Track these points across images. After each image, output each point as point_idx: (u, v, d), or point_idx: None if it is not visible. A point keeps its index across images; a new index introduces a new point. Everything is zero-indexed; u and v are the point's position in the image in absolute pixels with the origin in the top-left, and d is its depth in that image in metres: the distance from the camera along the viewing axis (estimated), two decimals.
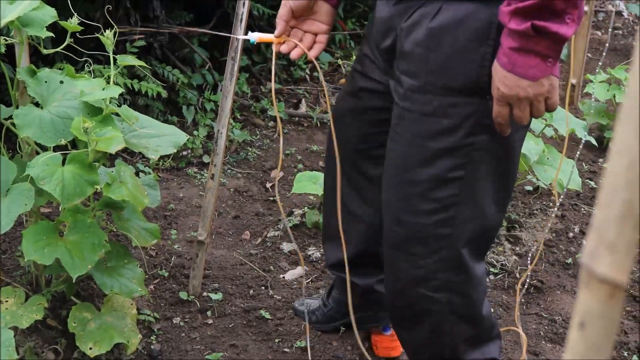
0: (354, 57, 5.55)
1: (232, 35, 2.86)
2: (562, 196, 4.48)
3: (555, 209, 3.57)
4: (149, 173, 4.35)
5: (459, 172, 2.40)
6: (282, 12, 2.61)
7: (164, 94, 4.74)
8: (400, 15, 2.37)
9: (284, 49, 2.65)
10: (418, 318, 2.68)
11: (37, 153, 2.84)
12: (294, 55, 2.64)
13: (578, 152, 3.61)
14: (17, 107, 2.84)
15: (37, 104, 2.82)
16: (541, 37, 2.07)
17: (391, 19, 2.40)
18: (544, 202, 4.54)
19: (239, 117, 5.30)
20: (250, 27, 3.27)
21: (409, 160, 2.44)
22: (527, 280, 3.81)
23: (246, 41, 2.70)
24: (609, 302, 0.76)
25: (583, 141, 3.86)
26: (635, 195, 0.72)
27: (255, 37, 2.63)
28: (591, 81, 5.16)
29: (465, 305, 2.66)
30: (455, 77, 2.27)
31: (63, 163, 2.71)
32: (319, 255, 3.96)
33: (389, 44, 2.47)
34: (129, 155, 4.60)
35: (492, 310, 3.03)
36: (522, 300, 3.75)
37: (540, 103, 2.19)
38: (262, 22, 5.78)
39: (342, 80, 5.95)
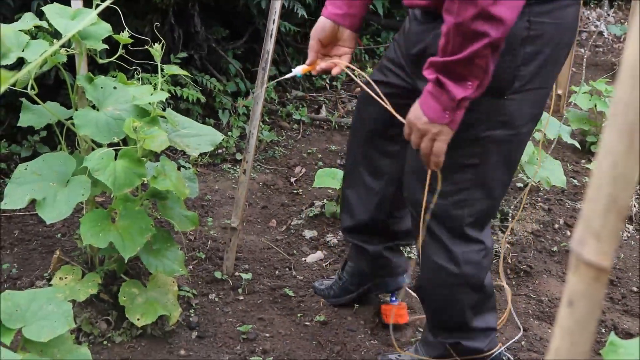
0: (368, 70, 5.56)
1: (284, 77, 2.88)
2: (548, 192, 4.47)
3: (522, 198, 3.56)
4: (189, 168, 4.35)
5: (475, 160, 2.46)
6: (313, 44, 2.69)
7: (203, 99, 4.75)
8: (429, 30, 2.41)
9: (323, 66, 2.68)
10: (436, 287, 2.74)
11: (93, 149, 2.84)
12: (334, 73, 2.68)
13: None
14: (77, 109, 2.85)
15: (93, 107, 2.83)
16: (443, 91, 2.17)
17: (421, 32, 2.44)
18: (532, 198, 4.53)
19: (267, 120, 5.30)
20: (278, 42, 3.28)
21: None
22: (518, 265, 3.82)
23: (290, 73, 2.73)
24: (595, 283, 0.76)
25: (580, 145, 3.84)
26: (618, 191, 0.73)
27: (299, 70, 2.68)
28: (575, 92, 5.15)
29: (476, 275, 2.69)
30: None
31: (115, 158, 2.72)
32: (336, 241, 3.96)
33: (418, 50, 2.49)
34: (171, 152, 4.61)
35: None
36: (513, 283, 3.75)
37: (428, 140, 2.28)
38: (288, 37, 5.78)
39: (358, 89, 5.94)
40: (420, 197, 2.56)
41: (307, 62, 2.71)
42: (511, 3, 2.03)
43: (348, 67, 2.66)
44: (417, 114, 2.28)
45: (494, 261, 3.77)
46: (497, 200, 2.63)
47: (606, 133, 0.72)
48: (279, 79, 3.02)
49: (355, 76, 2.65)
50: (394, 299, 3.30)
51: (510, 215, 4.18)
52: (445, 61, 2.12)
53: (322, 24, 2.67)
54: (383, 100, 2.51)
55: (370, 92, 2.56)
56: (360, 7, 2.68)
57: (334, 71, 2.68)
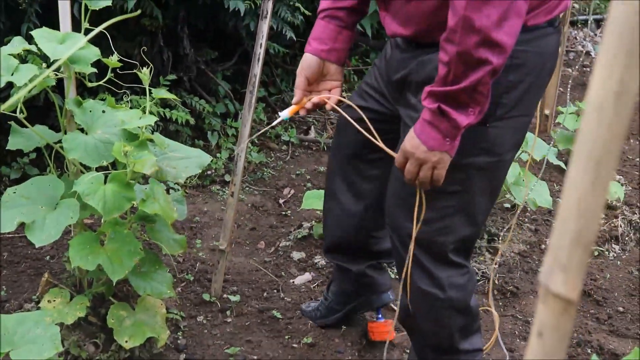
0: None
1: (272, 125, 2.89)
2: (535, 212, 4.49)
3: (513, 222, 3.58)
4: (178, 190, 4.37)
5: (457, 187, 2.46)
6: (299, 82, 2.69)
7: (192, 121, 4.76)
8: (412, 57, 2.44)
9: (309, 106, 2.70)
10: (423, 311, 2.73)
11: (82, 173, 2.86)
12: (329, 107, 2.71)
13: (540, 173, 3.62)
14: (65, 133, 2.87)
15: (82, 130, 2.84)
16: (444, 119, 2.19)
17: (403, 60, 2.46)
18: (519, 218, 4.55)
19: (256, 141, 5.32)
20: (266, 63, 3.31)
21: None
22: (504, 286, 3.84)
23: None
24: (563, 315, 0.78)
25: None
26: (584, 225, 0.75)
27: (286, 113, 2.69)
28: (562, 112, 5.18)
29: (462, 298, 2.70)
30: None
31: (105, 181, 2.73)
32: (324, 263, 3.97)
33: (400, 77, 2.52)
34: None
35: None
36: (500, 304, 3.77)
37: (427, 169, 2.31)
38: (277, 59, 5.81)
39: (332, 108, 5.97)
40: (402, 223, 2.59)
41: (294, 100, 2.71)
42: (510, 29, 2.06)
43: (340, 101, 2.68)
44: (414, 143, 2.29)
45: (482, 283, 3.79)
46: (480, 227, 2.65)
47: (571, 168, 0.75)
48: (267, 128, 3.04)
49: (340, 109, 2.67)
50: (379, 316, 3.32)
51: (499, 236, 4.21)
52: (447, 90, 2.15)
53: (309, 61, 2.68)
54: (366, 130, 2.54)
55: (352, 121, 2.59)
56: (345, 41, 2.69)
57: (328, 106, 2.70)
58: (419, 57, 2.37)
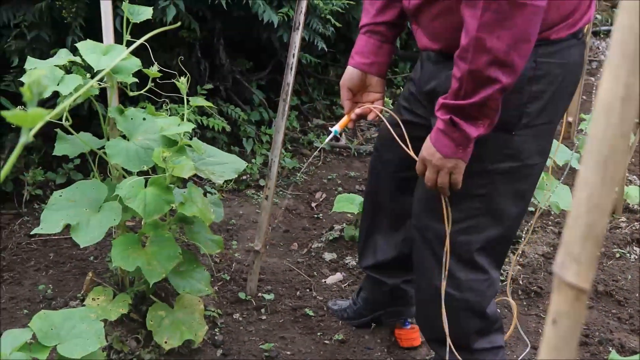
0: (386, 100, 5.61)
1: (327, 141, 2.89)
2: (559, 216, 4.49)
3: (532, 224, 3.57)
4: (215, 194, 4.41)
5: (483, 190, 2.49)
6: (344, 94, 2.75)
7: (228, 128, 4.81)
8: (441, 69, 2.47)
9: (358, 112, 2.72)
10: (438, 311, 2.71)
11: (124, 177, 2.90)
12: (370, 118, 2.73)
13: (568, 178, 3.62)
14: (108, 139, 2.92)
15: (124, 137, 2.89)
16: (456, 130, 2.24)
17: (434, 72, 2.49)
18: (543, 221, 4.55)
19: (289, 147, 5.35)
20: (299, 73, 3.35)
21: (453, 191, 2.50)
22: (528, 286, 3.84)
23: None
24: (576, 303, 0.80)
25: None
26: (594, 220, 0.77)
27: (337, 128, 2.73)
28: (584, 119, 5.18)
29: (477, 302, 2.70)
30: None
31: (145, 185, 2.77)
32: (355, 264, 4.00)
33: (431, 87, 2.55)
34: (198, 179, 4.67)
35: (499, 311, 3.05)
36: (524, 303, 3.77)
37: (444, 174, 2.36)
38: (309, 68, 5.84)
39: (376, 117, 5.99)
40: (427, 223, 2.62)
41: (345, 111, 2.76)
42: (521, 51, 2.08)
43: (383, 111, 2.71)
44: (430, 151, 2.34)
45: (505, 284, 3.79)
46: (509, 231, 2.63)
47: (582, 166, 0.77)
48: (323, 144, 3.09)
49: (384, 118, 2.70)
50: (407, 322, 3.32)
51: (522, 238, 4.21)
52: (458, 104, 2.19)
53: (350, 73, 2.73)
54: (404, 143, 2.56)
55: (388, 125, 2.62)
56: (385, 55, 2.73)
57: (370, 116, 2.73)
58: (447, 70, 2.38)
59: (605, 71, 0.76)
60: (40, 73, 1.09)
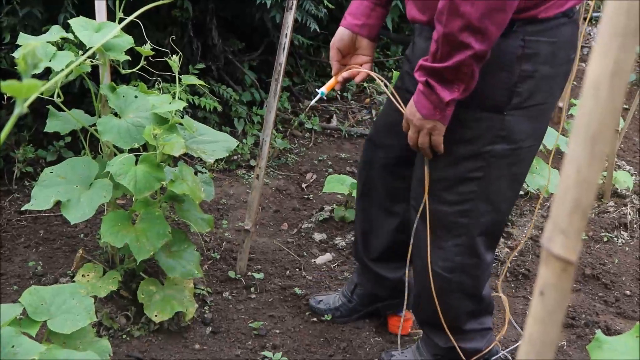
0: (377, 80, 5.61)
1: (312, 102, 2.85)
2: (547, 200, 4.51)
3: (537, 210, 3.60)
4: (205, 173, 4.41)
5: (478, 173, 2.50)
6: (333, 54, 2.74)
7: (219, 108, 4.81)
8: None
9: (345, 74, 2.74)
10: (431, 293, 2.73)
11: (115, 154, 2.91)
12: (357, 80, 2.74)
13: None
14: (100, 117, 2.91)
15: (115, 114, 2.89)
16: (432, 92, 2.27)
17: (426, 48, 2.48)
18: (533, 205, 4.57)
19: (280, 128, 5.35)
20: (291, 54, 3.35)
21: (439, 162, 2.53)
22: (517, 269, 3.86)
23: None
24: (562, 275, 0.82)
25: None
26: (582, 194, 0.78)
27: (324, 89, 2.73)
28: (575, 105, 5.19)
29: (472, 286, 2.72)
30: (481, 97, 2.34)
31: (136, 163, 2.78)
32: (345, 244, 4.01)
33: None
34: (189, 158, 4.67)
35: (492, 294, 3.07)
36: (512, 285, 3.79)
37: (424, 134, 2.40)
38: (301, 50, 5.84)
39: (367, 100, 6.00)
40: (428, 204, 2.62)
41: (333, 72, 2.76)
42: (495, 19, 2.10)
43: (370, 75, 2.71)
44: (412, 110, 2.39)
45: (495, 266, 3.81)
46: (504, 215, 2.65)
47: (571, 142, 0.78)
48: (309, 105, 3.07)
49: (378, 80, 2.69)
50: (400, 311, 3.30)
51: (512, 222, 4.23)
52: (434, 67, 2.22)
53: (341, 33, 2.72)
54: (398, 103, 2.58)
55: (390, 95, 2.63)
56: (377, 18, 2.73)
57: (357, 78, 2.73)
58: None
59: (595, 46, 0.77)
60: (35, 45, 1.10)
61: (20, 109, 1.01)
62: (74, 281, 3.03)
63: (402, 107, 2.56)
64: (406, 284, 2.88)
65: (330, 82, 2.76)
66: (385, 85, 2.67)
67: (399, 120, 2.57)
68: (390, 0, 2.77)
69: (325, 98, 2.99)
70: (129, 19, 1.46)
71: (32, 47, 1.10)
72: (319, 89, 2.74)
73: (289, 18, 3.21)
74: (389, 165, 2.99)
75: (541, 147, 3.95)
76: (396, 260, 3.11)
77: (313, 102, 2.92)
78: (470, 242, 2.62)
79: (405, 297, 2.92)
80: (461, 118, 2.38)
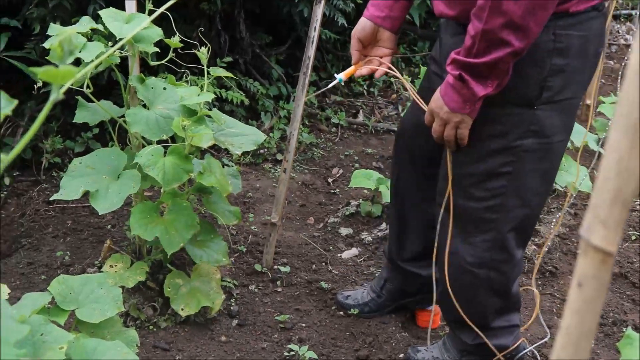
0: (405, 76, 5.59)
1: (328, 87, 2.79)
2: (575, 197, 4.48)
3: (565, 207, 3.57)
4: (232, 166, 4.42)
5: (508, 168, 2.47)
6: (353, 43, 2.73)
7: (247, 101, 4.81)
8: (461, 42, 2.43)
9: (364, 71, 2.74)
10: (459, 288, 2.72)
11: (143, 146, 2.92)
12: (377, 75, 2.74)
13: (593, 162, 3.61)
14: (129, 108, 2.93)
15: (144, 106, 2.90)
16: (464, 86, 2.24)
17: (454, 44, 2.46)
18: (560, 202, 4.55)
19: (307, 123, 5.35)
20: (318, 49, 3.35)
21: (467, 157, 2.50)
22: (543, 266, 3.84)
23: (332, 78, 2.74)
24: (601, 266, 0.81)
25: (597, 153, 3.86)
26: (623, 183, 0.78)
27: (342, 75, 2.72)
28: (603, 102, 5.15)
29: (500, 282, 2.70)
30: (511, 92, 2.32)
31: (164, 154, 2.79)
32: (371, 239, 4.00)
33: None
34: (216, 151, 4.68)
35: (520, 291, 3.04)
36: (539, 282, 3.77)
37: (451, 128, 2.38)
38: (328, 44, 5.83)
39: (394, 95, 5.99)
40: (453, 199, 2.60)
41: (353, 61, 2.75)
42: (538, 17, 2.08)
43: (390, 69, 2.70)
44: (439, 103, 2.36)
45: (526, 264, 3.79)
46: (535, 210, 2.62)
47: (612, 131, 0.78)
48: (324, 89, 3.05)
49: (398, 77, 2.68)
50: (428, 305, 3.30)
51: (541, 220, 4.20)
52: (469, 61, 2.19)
53: (363, 24, 2.72)
54: (414, 94, 2.56)
55: (413, 94, 2.61)
56: (400, 10, 2.71)
57: (377, 74, 2.73)
58: None
59: (636, 35, 0.76)
60: (71, 31, 1.10)
61: (57, 95, 1.02)
62: (101, 271, 3.04)
63: (423, 105, 2.55)
64: (433, 278, 2.87)
65: (349, 70, 2.76)
66: (405, 80, 2.66)
67: (422, 121, 2.56)
68: None
69: (342, 84, 2.97)
70: (160, 10, 1.46)
71: (68, 33, 1.10)
72: (337, 74, 2.74)
73: (318, 11, 3.20)
74: (420, 165, 2.98)
75: (568, 144, 3.94)
76: (428, 258, 3.09)
77: (330, 86, 2.88)
78: (500, 238, 2.59)
79: (434, 292, 2.91)
80: (491, 112, 2.36)
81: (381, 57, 2.73)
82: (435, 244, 2.76)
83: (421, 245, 3.12)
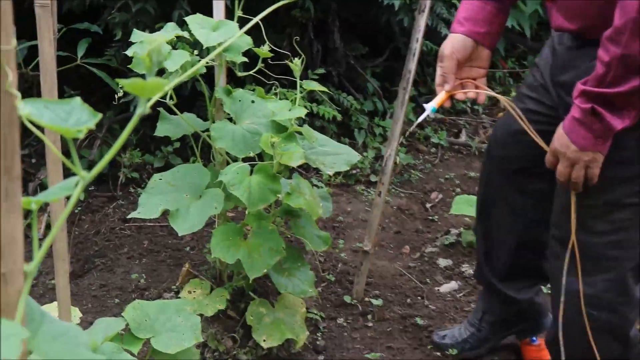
0: (513, 93, 5.53)
1: (419, 120, 2.70)
2: None
3: None
4: (322, 187, 4.41)
5: (634, 199, 2.40)
6: (450, 66, 2.59)
7: (339, 117, 4.81)
8: (581, 56, 2.38)
9: (460, 96, 2.65)
10: (576, 333, 2.61)
11: (228, 163, 2.94)
12: (480, 101, 2.71)
13: None
14: (213, 122, 2.95)
15: (230, 120, 2.92)
16: (597, 120, 2.15)
17: (571, 60, 2.40)
18: None
19: (404, 142, 5.32)
20: (418, 61, 3.32)
21: (588, 187, 2.40)
22: None
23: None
24: None
25: None
26: None
27: (434, 104, 2.57)
28: None
29: (620, 326, 2.62)
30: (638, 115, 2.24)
31: (251, 173, 2.80)
32: (472, 272, 3.95)
33: (567, 78, 2.46)
34: (304, 170, 4.69)
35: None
36: None
37: (580, 168, 2.28)
38: (429, 57, 5.80)
39: (500, 114, 5.92)
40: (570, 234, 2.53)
41: (448, 87, 2.60)
42: None
43: (490, 93, 2.64)
44: (563, 141, 2.28)
45: None
46: None
47: None
48: (416, 122, 2.91)
49: (503, 101, 2.63)
50: (534, 338, 3.24)
51: None
52: (604, 92, 2.12)
53: (462, 42, 2.61)
54: (530, 130, 2.50)
55: (519, 120, 2.55)
56: (500, 26, 2.65)
57: (480, 99, 2.68)
58: (589, 60, 2.29)
59: None
60: (161, 41, 1.10)
61: (143, 108, 1.02)
62: (178, 297, 3.07)
63: (539, 140, 2.48)
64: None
65: (441, 98, 2.60)
66: (513, 109, 2.59)
67: (520, 129, 2.52)
68: (511, 4, 2.69)
69: (432, 116, 2.93)
70: (255, 19, 1.47)
71: (158, 43, 1.11)
72: (426, 103, 2.60)
73: (421, 21, 3.20)
74: (508, 179, 2.92)
75: None
76: (522, 280, 3.06)
77: (421, 118, 2.67)
78: (621, 277, 2.51)
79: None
80: (617, 138, 2.28)
81: (475, 79, 2.65)
82: (550, 282, 2.70)
83: (511, 263, 3.05)
